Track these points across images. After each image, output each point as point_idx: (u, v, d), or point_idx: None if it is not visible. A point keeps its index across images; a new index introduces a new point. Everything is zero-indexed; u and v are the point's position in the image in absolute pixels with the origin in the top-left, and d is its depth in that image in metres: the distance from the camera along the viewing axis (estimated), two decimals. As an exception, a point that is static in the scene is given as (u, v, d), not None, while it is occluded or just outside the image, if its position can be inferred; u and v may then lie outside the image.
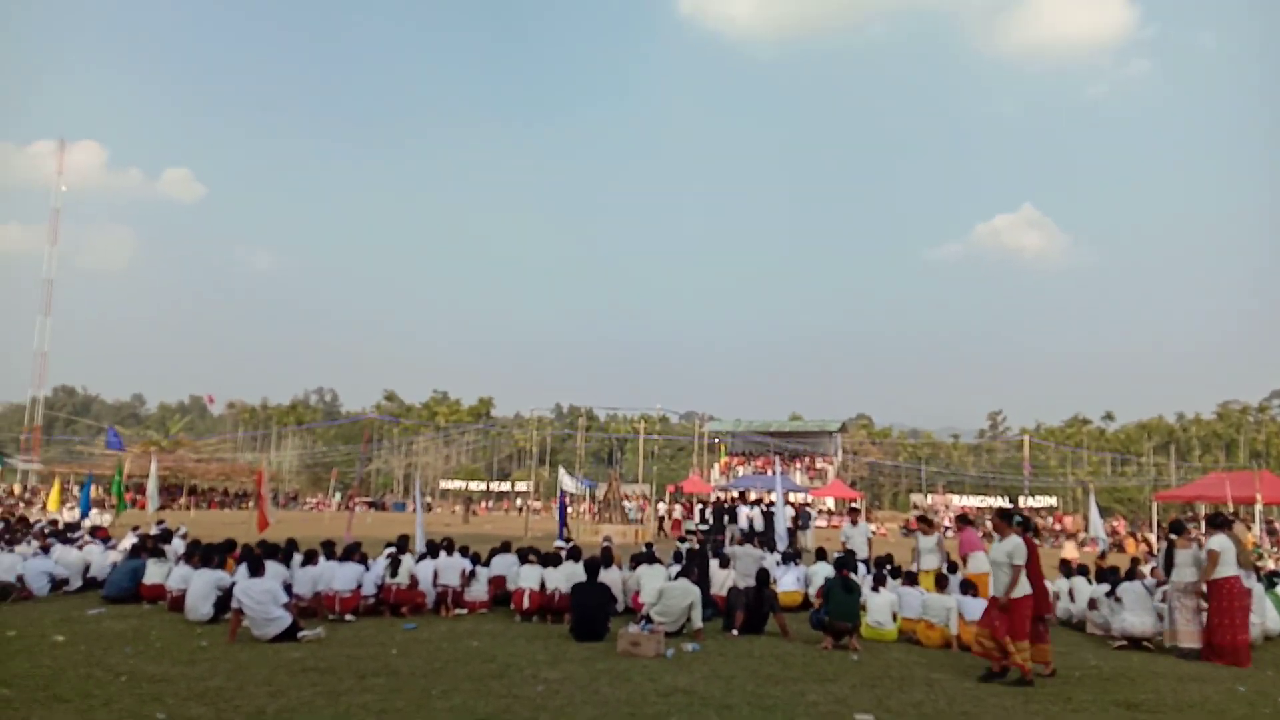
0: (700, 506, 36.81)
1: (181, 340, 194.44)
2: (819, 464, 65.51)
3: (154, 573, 12.57)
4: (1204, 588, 10.38)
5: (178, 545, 14.97)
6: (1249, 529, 25.98)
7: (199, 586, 11.02)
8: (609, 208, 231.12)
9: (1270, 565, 20.91)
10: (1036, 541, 9.80)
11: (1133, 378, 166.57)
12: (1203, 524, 12.99)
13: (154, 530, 16.36)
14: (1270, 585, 12.87)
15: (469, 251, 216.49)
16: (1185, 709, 7.66)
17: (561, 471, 28.48)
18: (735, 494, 38.12)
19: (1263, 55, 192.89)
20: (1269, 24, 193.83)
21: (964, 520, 14.99)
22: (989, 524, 9.30)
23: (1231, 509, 24.28)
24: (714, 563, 13.34)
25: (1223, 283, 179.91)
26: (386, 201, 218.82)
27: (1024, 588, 8.58)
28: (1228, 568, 10.21)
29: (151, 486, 27.81)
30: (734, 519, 29.75)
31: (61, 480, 40.12)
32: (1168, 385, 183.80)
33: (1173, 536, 11.07)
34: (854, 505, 40.97)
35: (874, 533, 16.31)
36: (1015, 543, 8.65)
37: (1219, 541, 10.32)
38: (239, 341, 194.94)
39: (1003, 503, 54.49)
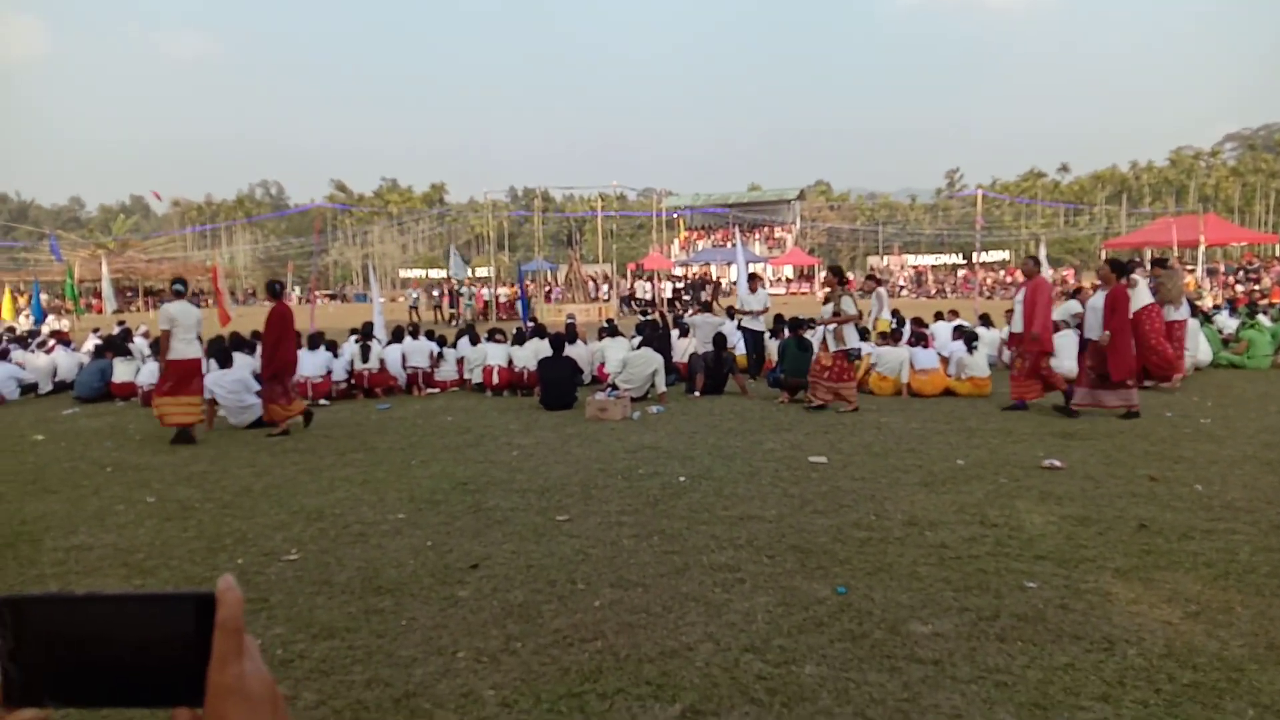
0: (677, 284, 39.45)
1: (114, 137, 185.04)
2: (778, 233, 65.87)
3: (122, 371, 12.68)
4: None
5: (140, 344, 14.99)
6: (1188, 270, 26.91)
7: (170, 381, 11.13)
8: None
9: (1209, 303, 21.87)
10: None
11: (1090, 129, 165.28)
12: (1149, 267, 13.59)
13: (115, 331, 16.31)
14: (1205, 321, 13.56)
15: (413, 32, 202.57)
16: (1115, 435, 8.26)
17: (452, 251, 28.84)
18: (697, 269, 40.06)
19: None
20: None
21: (873, 279, 17.32)
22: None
23: (1177, 252, 25.01)
24: (674, 333, 13.75)
25: (1182, 22, 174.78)
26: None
27: None
28: (1143, 298, 11.02)
29: (106, 288, 27.36)
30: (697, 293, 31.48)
31: (12, 289, 39.27)
32: (1124, 134, 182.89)
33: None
34: (754, 272, 47.15)
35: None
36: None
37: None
38: (174, 136, 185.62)
39: (957, 259, 55.56)
